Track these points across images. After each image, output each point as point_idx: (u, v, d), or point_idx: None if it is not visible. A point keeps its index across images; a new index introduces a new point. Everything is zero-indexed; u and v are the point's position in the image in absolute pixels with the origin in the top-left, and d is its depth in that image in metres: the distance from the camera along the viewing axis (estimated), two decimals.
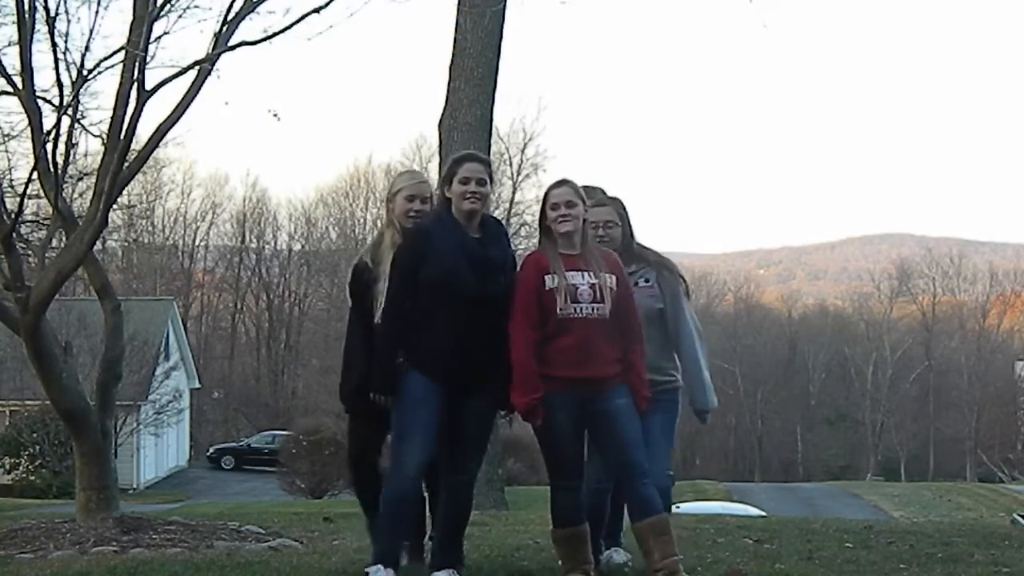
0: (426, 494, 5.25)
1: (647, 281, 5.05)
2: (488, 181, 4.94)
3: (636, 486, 4.79)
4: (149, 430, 32.16)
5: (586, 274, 4.80)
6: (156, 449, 35.41)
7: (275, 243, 57.43)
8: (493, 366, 4.87)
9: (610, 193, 5.74)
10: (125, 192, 9.46)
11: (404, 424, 4.82)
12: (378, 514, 5.03)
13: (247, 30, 7.70)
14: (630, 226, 5.68)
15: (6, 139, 9.37)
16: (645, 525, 4.76)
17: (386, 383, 4.85)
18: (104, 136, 7.58)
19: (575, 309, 4.74)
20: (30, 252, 10.38)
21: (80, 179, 12.75)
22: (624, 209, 5.67)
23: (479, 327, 4.80)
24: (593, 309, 4.77)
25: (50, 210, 8.67)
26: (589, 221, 5.00)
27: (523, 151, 49.98)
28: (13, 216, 7.69)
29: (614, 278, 4.85)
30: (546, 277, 4.77)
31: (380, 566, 4.80)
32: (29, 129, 7.66)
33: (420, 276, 4.81)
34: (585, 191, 5.51)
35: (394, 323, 4.88)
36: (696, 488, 29.87)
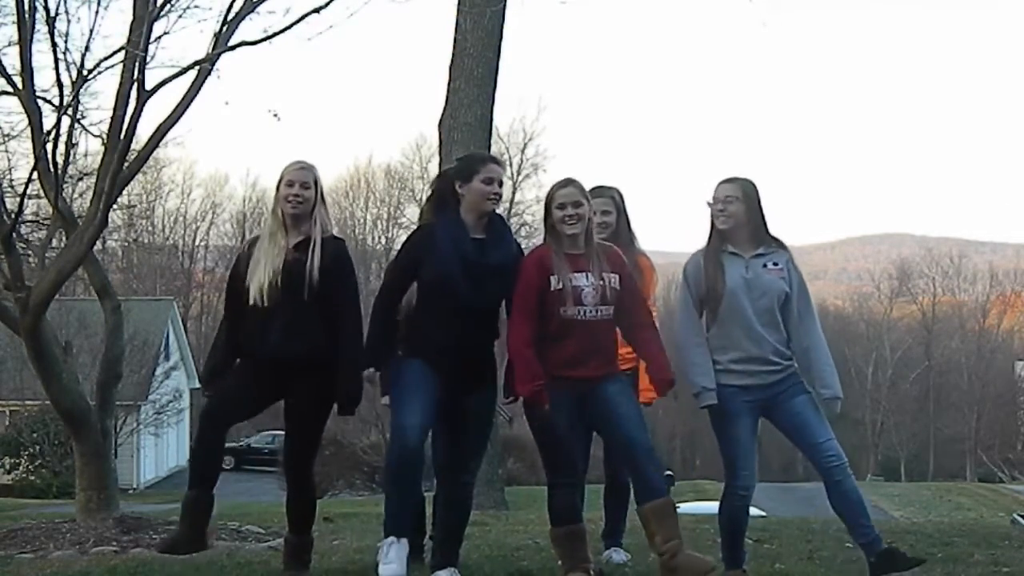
0: (426, 495, 5.26)
1: (776, 264, 4.96)
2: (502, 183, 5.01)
3: (641, 466, 4.77)
4: (149, 430, 32.18)
5: (590, 275, 4.78)
6: (156, 449, 35.41)
7: None
8: (489, 366, 4.92)
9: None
10: (125, 192, 9.46)
11: (401, 392, 4.82)
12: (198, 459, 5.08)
13: (247, 30, 7.72)
14: (627, 216, 5.69)
15: (6, 139, 9.38)
16: (648, 509, 4.75)
17: (375, 359, 4.87)
18: (104, 136, 7.58)
19: (579, 311, 4.74)
20: (30, 252, 10.38)
21: (80, 179, 12.73)
22: (621, 199, 5.68)
23: (475, 329, 4.84)
24: (597, 311, 4.76)
25: (50, 210, 8.67)
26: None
27: (523, 151, 50.04)
28: (13, 216, 7.69)
29: (617, 277, 4.84)
30: (551, 278, 4.75)
31: (393, 538, 4.78)
32: (29, 129, 7.67)
33: (424, 274, 4.84)
34: (599, 190, 5.51)
35: (382, 315, 4.91)
36: (696, 488, 29.85)
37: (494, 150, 14.78)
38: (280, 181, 5.03)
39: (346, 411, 5.00)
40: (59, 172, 7.59)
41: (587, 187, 5.02)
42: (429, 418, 4.84)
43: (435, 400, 4.81)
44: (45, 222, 12.52)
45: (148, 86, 7.29)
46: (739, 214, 4.93)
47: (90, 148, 8.56)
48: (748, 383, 4.86)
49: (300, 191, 4.97)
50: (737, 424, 4.86)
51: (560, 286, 4.73)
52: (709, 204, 4.96)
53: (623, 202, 5.69)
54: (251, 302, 4.89)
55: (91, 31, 7.83)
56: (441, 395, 4.82)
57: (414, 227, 5.39)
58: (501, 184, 4.93)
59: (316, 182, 5.04)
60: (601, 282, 4.78)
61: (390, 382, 4.91)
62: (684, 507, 17.97)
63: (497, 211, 5.00)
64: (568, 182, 4.91)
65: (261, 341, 4.88)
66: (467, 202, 4.90)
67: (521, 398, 4.78)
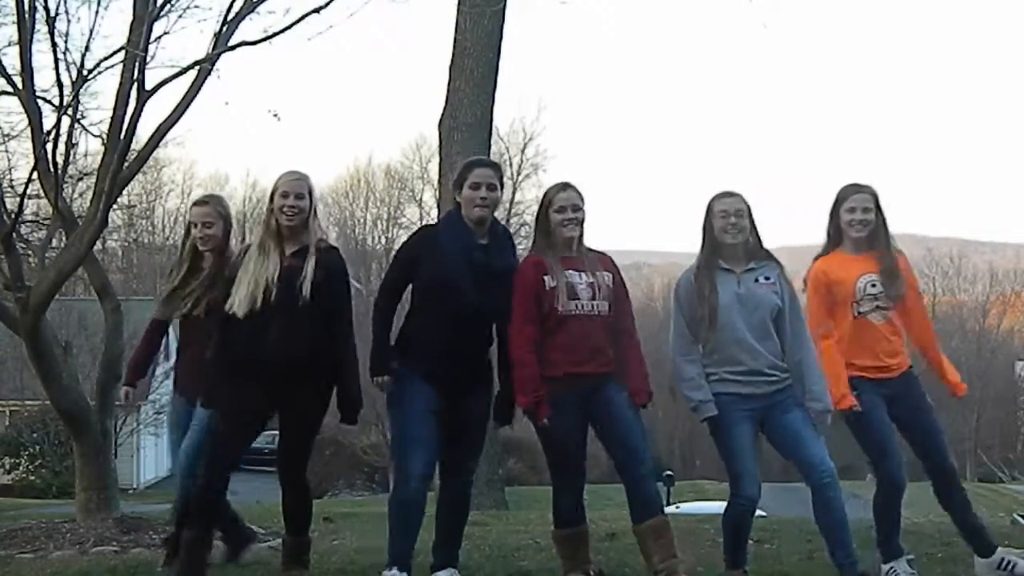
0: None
1: (768, 278, 4.98)
2: (498, 187, 4.94)
3: (641, 482, 4.80)
4: (149, 430, 32.13)
5: (583, 273, 4.83)
6: (156, 449, 35.31)
7: None
8: (485, 369, 4.94)
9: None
10: (125, 192, 9.46)
11: (406, 430, 4.84)
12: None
13: (247, 30, 7.73)
14: (883, 215, 5.42)
15: (6, 139, 9.38)
16: (645, 527, 4.78)
17: (381, 366, 4.87)
18: (104, 136, 7.58)
19: (575, 306, 4.76)
20: (30, 252, 10.37)
21: (80, 179, 12.75)
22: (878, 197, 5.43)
23: (473, 332, 4.85)
24: (593, 306, 4.79)
25: (50, 210, 8.67)
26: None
27: (523, 151, 49.96)
28: (13, 216, 7.68)
29: (610, 276, 4.87)
30: (545, 277, 4.78)
31: (396, 568, 4.81)
32: (29, 129, 7.66)
33: (423, 275, 4.83)
34: (857, 187, 5.30)
35: (382, 314, 4.92)
36: (696, 488, 29.88)
37: (494, 150, 14.77)
38: (274, 192, 5.02)
39: (348, 420, 5.01)
40: (59, 172, 7.58)
41: (845, 184, 5.14)
42: (435, 457, 4.86)
43: (439, 431, 4.82)
44: (45, 222, 12.52)
45: (148, 86, 7.28)
46: (747, 228, 4.95)
47: (90, 148, 8.58)
48: (746, 392, 4.87)
49: (295, 202, 4.96)
50: (737, 433, 4.86)
51: (555, 283, 4.76)
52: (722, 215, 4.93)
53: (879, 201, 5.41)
54: (240, 313, 4.88)
55: (91, 31, 7.84)
56: (442, 408, 4.82)
57: (414, 228, 5.39)
58: (492, 188, 4.89)
59: (310, 192, 5.04)
60: (593, 279, 4.82)
61: (390, 400, 4.91)
62: (684, 507, 18.02)
63: (493, 215, 4.96)
64: (566, 185, 4.93)
65: (256, 349, 4.87)
66: (464, 209, 4.92)
67: (523, 408, 4.78)
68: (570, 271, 4.81)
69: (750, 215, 4.99)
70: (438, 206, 14.05)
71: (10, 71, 7.85)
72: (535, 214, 5.08)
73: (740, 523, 5.00)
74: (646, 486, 4.80)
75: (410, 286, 4.97)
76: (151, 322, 5.97)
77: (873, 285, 5.17)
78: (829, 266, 5.23)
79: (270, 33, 7.33)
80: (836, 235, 5.28)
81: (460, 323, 4.78)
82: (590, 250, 4.97)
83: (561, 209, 4.86)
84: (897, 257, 5.31)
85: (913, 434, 5.29)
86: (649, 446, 4.94)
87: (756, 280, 4.96)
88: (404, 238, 5.38)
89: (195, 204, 5.66)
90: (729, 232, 4.92)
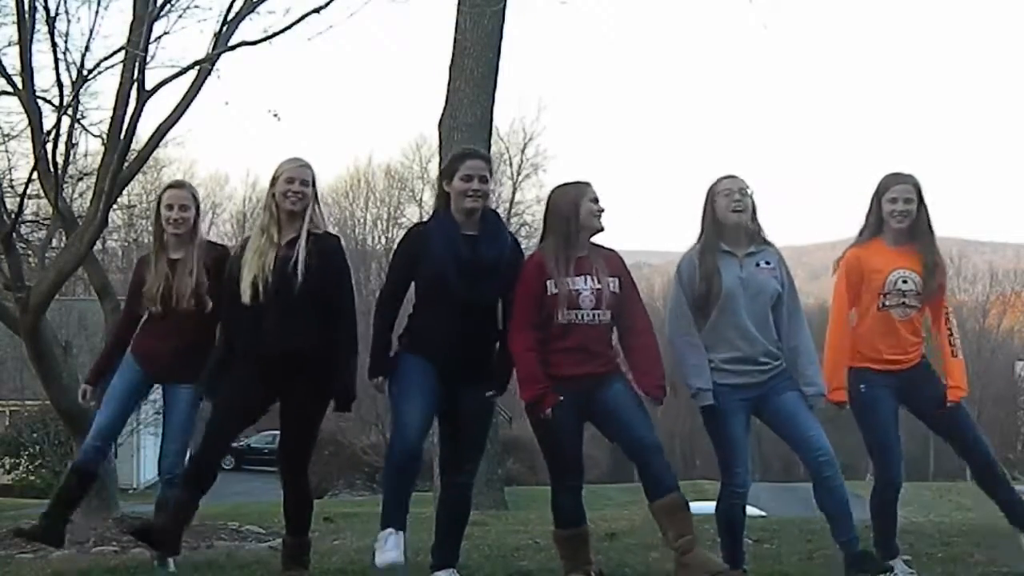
0: (427, 494, 5.26)
1: (768, 263, 4.96)
2: (489, 178, 4.93)
3: (651, 464, 4.77)
4: (149, 430, 32.09)
5: (589, 278, 4.78)
6: (156, 449, 35.12)
7: None
8: (486, 362, 4.90)
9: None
10: (125, 192, 9.46)
11: (402, 390, 4.80)
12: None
13: (247, 30, 7.74)
14: (926, 206, 5.33)
15: (6, 139, 9.40)
16: (661, 504, 4.78)
17: (381, 367, 4.88)
18: (104, 136, 7.59)
19: (576, 316, 4.74)
20: (30, 252, 10.38)
21: (80, 179, 12.75)
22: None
23: (473, 327, 4.83)
24: (594, 316, 4.76)
25: (50, 210, 8.68)
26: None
27: (523, 151, 49.91)
28: (13, 216, 7.69)
29: (617, 281, 4.84)
30: (548, 282, 4.75)
31: (391, 530, 4.75)
32: (29, 129, 7.68)
33: (422, 273, 4.83)
34: (898, 177, 5.22)
35: (383, 319, 4.91)
36: (696, 488, 29.76)
37: (494, 150, 14.76)
38: (278, 177, 5.00)
39: (343, 407, 5.00)
40: (59, 172, 7.59)
41: (887, 174, 5.16)
42: (430, 416, 4.84)
43: (435, 398, 4.81)
44: (45, 222, 12.51)
45: (148, 86, 7.28)
46: (750, 208, 4.94)
47: (90, 148, 8.60)
48: (740, 382, 4.86)
49: (300, 188, 4.97)
50: (730, 423, 4.86)
51: (556, 290, 4.73)
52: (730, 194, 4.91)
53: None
54: (245, 301, 4.89)
55: (91, 31, 7.87)
56: (441, 390, 4.81)
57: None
58: (484, 180, 4.86)
59: (313, 180, 5.05)
60: (599, 286, 4.77)
61: (391, 378, 4.90)
62: None
63: (487, 206, 4.93)
64: (588, 183, 4.90)
65: (256, 338, 4.87)
66: (453, 201, 4.90)
67: (527, 402, 4.77)
68: (576, 276, 4.76)
69: (752, 195, 4.97)
70: None
71: (10, 71, 7.88)
72: (540, 213, 5.03)
73: (733, 515, 5.01)
74: (657, 467, 4.77)
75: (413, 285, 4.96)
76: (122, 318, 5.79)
77: (904, 281, 5.15)
78: (866, 253, 5.19)
79: (270, 33, 7.34)
80: (876, 224, 5.24)
81: (457, 318, 4.77)
82: (599, 247, 4.93)
83: (595, 200, 4.85)
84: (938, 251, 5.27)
85: (937, 423, 5.26)
86: (654, 429, 4.90)
87: (757, 264, 4.94)
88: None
89: (170, 187, 5.55)
90: (734, 209, 4.90)
